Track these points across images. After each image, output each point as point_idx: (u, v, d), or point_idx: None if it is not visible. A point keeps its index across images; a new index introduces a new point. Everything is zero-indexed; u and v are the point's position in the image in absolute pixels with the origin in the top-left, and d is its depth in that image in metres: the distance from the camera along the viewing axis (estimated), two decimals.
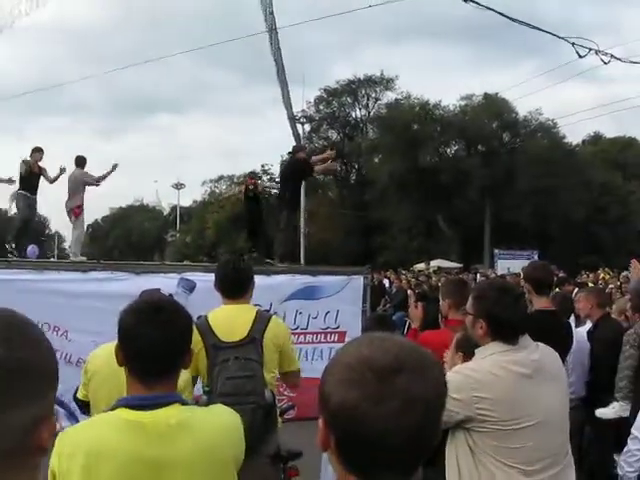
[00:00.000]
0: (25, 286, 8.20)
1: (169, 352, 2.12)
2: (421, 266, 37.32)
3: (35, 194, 11.93)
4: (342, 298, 9.70)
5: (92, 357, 4.04)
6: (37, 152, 11.91)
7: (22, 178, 11.71)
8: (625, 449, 3.66)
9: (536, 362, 3.04)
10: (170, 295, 4.20)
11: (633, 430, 3.66)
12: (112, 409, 2.12)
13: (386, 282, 23.65)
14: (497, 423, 2.88)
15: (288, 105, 27.86)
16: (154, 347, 2.08)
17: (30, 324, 1.10)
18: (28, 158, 11.79)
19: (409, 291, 19.34)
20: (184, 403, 2.18)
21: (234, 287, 4.27)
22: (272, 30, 19.99)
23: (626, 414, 4.99)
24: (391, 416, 1.17)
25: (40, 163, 11.91)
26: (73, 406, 7.38)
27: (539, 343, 3.18)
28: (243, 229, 55.41)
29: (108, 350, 3.93)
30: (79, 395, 4.12)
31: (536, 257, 35.48)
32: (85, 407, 4.07)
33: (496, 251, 39.90)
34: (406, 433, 1.18)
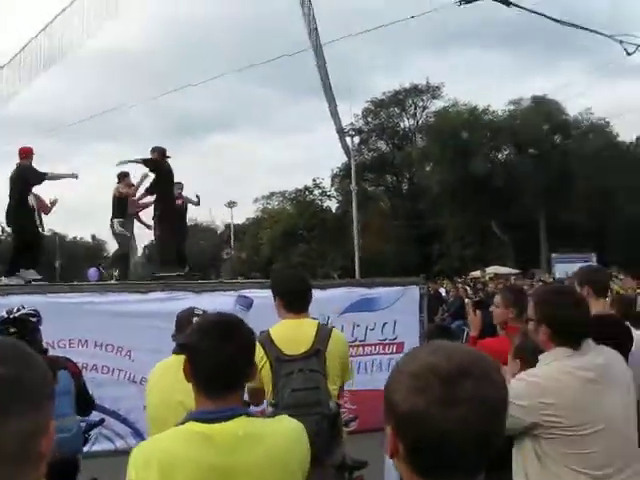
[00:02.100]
0: (89, 308, 8.41)
1: (234, 367, 2.18)
2: (477, 274, 36.98)
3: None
4: (399, 309, 9.67)
5: (150, 374, 4.23)
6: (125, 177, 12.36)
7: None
8: None
9: (601, 366, 3.00)
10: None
11: None
12: (182, 423, 2.19)
13: (442, 291, 23.52)
14: (564, 429, 2.85)
15: (336, 119, 27.94)
16: (220, 362, 2.15)
17: (27, 349, 1.25)
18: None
19: (466, 299, 19.20)
20: (250, 415, 2.23)
21: (301, 300, 4.27)
22: (317, 47, 20.11)
23: None
24: (460, 420, 1.21)
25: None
26: (140, 425, 7.57)
27: (603, 346, 3.14)
28: (297, 243, 55.44)
29: (162, 365, 4.10)
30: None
31: (594, 260, 34.88)
32: None
33: (553, 255, 39.41)
34: (474, 436, 1.22)
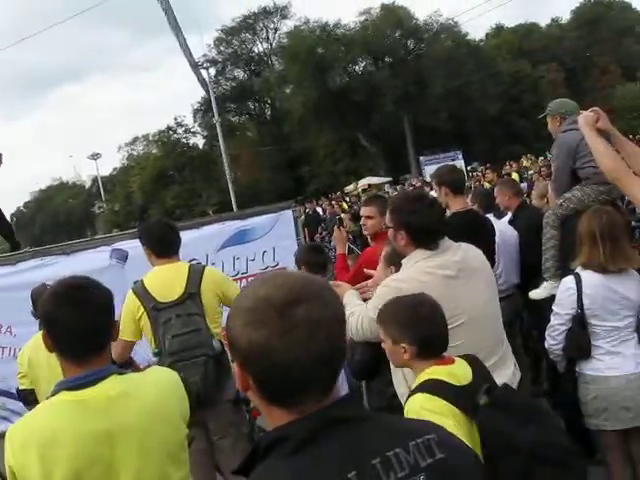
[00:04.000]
0: None
1: (94, 329, 2.14)
2: (351, 187, 37.55)
3: None
4: (276, 235, 9.68)
5: (24, 348, 4.33)
6: None
7: None
8: (549, 324, 3.85)
9: (459, 262, 3.15)
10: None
11: (554, 307, 3.84)
12: (53, 394, 2.15)
13: (320, 210, 23.76)
14: None
15: (187, 52, 27.23)
16: (79, 327, 2.10)
17: None
18: None
19: (342, 214, 19.53)
20: (120, 373, 2.21)
21: (168, 245, 4.33)
22: None
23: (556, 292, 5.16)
24: (298, 344, 1.25)
25: None
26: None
27: (460, 243, 3.29)
28: (169, 185, 54.24)
29: (36, 338, 4.03)
30: (21, 386, 4.35)
31: (460, 157, 36.13)
32: (29, 395, 4.25)
33: (421, 158, 40.39)
34: (315, 356, 1.27)
